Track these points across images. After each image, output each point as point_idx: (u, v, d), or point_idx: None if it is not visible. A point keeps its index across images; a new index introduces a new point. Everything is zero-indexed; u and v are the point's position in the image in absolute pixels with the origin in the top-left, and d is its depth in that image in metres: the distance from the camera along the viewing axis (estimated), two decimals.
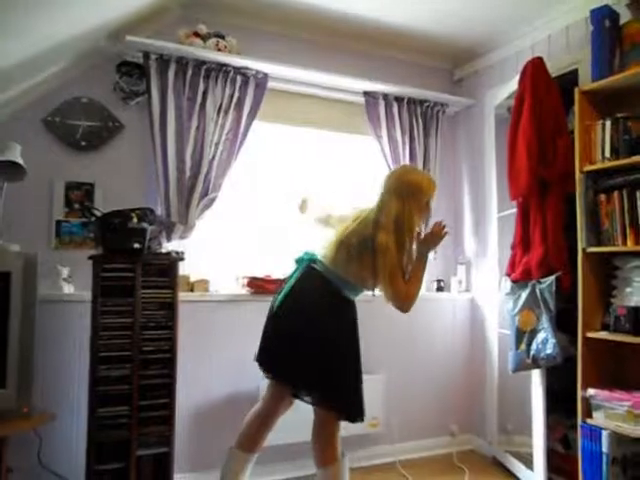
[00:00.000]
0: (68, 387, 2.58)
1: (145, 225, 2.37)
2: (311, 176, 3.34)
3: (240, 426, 2.26)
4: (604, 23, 2.44)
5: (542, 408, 2.75)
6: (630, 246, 2.30)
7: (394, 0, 2.92)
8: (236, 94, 2.94)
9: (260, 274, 2.99)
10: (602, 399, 2.33)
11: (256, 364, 2.19)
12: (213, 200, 2.90)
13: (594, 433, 2.32)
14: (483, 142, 3.45)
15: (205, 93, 2.87)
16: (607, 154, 2.39)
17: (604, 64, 2.45)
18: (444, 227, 2.26)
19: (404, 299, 2.10)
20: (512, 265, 2.88)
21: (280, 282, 2.38)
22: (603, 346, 2.41)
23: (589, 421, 2.37)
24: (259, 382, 2.64)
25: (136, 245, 2.32)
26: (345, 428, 2.15)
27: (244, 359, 2.41)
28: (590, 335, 2.40)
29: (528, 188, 2.70)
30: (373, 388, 2.92)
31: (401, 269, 2.10)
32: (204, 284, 2.90)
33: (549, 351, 2.56)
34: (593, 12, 2.49)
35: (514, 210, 2.93)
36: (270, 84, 3.06)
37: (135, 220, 2.34)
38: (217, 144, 2.89)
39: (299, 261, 2.26)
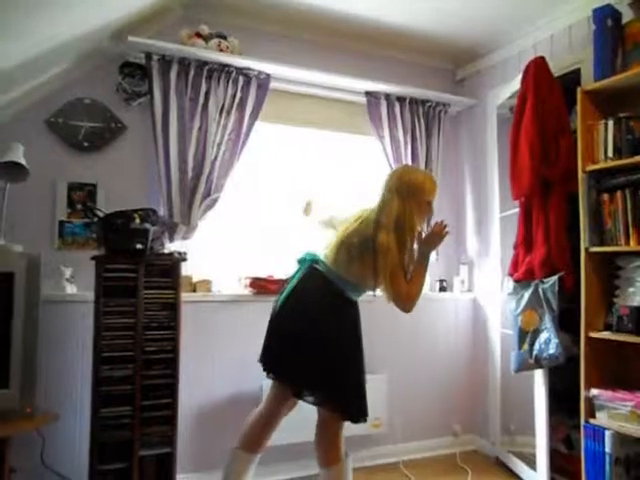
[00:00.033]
0: (71, 387, 2.58)
1: (148, 226, 2.37)
2: (313, 176, 3.34)
3: (243, 426, 2.26)
4: (606, 22, 2.43)
5: (545, 408, 2.74)
6: (633, 246, 2.29)
7: (394, 0, 2.91)
8: (238, 94, 2.95)
9: (262, 274, 2.99)
10: (605, 399, 2.32)
11: (259, 364, 2.18)
12: (215, 201, 2.90)
13: (597, 433, 2.32)
14: (485, 142, 3.45)
15: (207, 94, 2.88)
16: (610, 154, 2.39)
17: (606, 64, 2.44)
18: (445, 227, 2.25)
19: (406, 299, 2.09)
20: (515, 265, 2.87)
21: (282, 282, 2.38)
22: (606, 346, 2.40)
23: (592, 421, 2.37)
24: (262, 382, 2.65)
25: (139, 246, 2.33)
26: (348, 428, 2.14)
27: (247, 359, 2.42)
28: (593, 335, 2.40)
29: (530, 188, 2.69)
30: (376, 388, 2.91)
31: (402, 269, 2.09)
32: (206, 284, 2.90)
33: (552, 351, 2.56)
34: (595, 11, 2.48)
35: (516, 210, 2.92)
36: (272, 84, 3.06)
37: (138, 221, 2.34)
38: (219, 145, 2.89)
39: (301, 261, 2.26)
